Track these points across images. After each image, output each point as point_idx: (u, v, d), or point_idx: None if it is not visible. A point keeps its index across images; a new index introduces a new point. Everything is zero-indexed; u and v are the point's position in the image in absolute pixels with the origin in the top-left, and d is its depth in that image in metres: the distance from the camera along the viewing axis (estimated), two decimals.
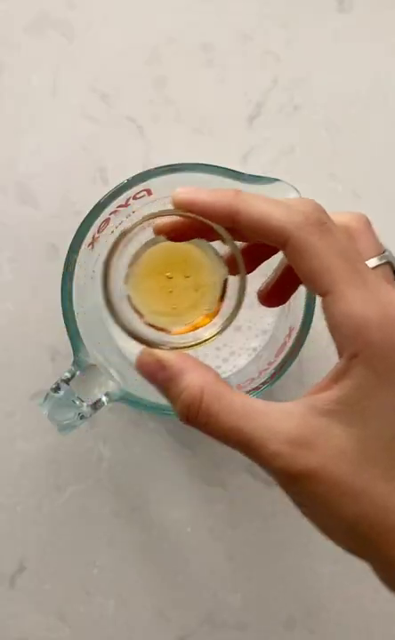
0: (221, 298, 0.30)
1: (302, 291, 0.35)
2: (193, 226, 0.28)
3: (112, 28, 0.46)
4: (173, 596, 0.45)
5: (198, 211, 0.27)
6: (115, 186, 0.38)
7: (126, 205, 0.39)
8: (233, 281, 0.28)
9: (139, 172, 0.38)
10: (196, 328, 0.30)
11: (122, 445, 0.45)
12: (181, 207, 0.27)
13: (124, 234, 0.28)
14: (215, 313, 0.30)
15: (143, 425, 0.45)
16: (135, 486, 0.45)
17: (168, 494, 0.45)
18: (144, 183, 0.38)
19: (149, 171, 0.38)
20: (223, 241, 0.27)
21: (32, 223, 0.45)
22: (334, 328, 0.25)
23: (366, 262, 0.29)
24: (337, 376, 0.25)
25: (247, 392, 0.37)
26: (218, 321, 0.29)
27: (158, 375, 0.27)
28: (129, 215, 0.41)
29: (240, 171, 0.38)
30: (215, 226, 0.27)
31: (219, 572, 0.45)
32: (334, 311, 0.25)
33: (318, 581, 0.45)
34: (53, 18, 0.46)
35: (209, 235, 0.28)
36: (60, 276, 0.37)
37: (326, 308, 0.25)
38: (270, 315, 0.43)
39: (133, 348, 0.43)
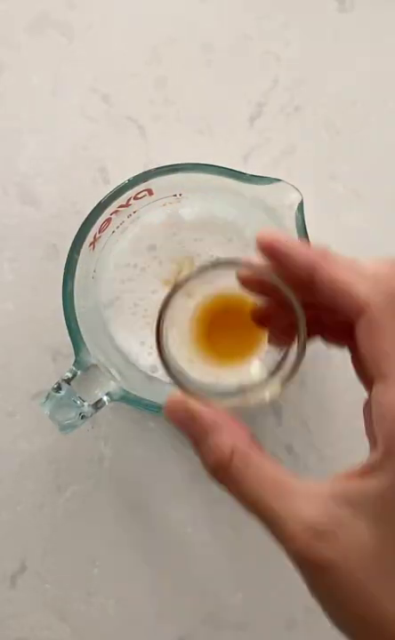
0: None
1: None
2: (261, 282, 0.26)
3: (112, 29, 0.46)
4: (173, 595, 0.45)
5: (279, 259, 0.25)
6: (116, 186, 0.38)
7: (128, 205, 0.39)
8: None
9: (140, 171, 0.38)
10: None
11: (123, 445, 0.45)
12: (264, 251, 0.25)
13: (178, 286, 0.26)
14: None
15: (144, 425, 0.45)
16: (136, 486, 0.45)
17: (169, 494, 0.45)
18: (145, 183, 0.38)
19: (150, 171, 0.38)
20: (291, 304, 0.25)
21: (33, 223, 0.45)
22: (379, 417, 0.23)
23: None
24: (372, 468, 0.23)
25: None
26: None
27: (188, 426, 0.26)
28: (130, 215, 0.41)
29: (241, 171, 0.38)
30: (286, 289, 0.25)
31: (220, 571, 0.45)
32: (383, 399, 0.23)
33: None
34: (54, 18, 0.46)
35: (272, 294, 0.26)
36: (61, 276, 0.37)
37: (375, 394, 0.24)
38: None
39: (132, 348, 0.43)
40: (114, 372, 0.38)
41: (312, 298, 0.25)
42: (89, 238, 0.38)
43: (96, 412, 0.36)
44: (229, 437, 0.25)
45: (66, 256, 0.37)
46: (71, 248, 0.37)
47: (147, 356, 0.43)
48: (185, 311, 0.29)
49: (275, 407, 0.45)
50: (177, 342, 0.28)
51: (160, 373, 0.43)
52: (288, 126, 0.46)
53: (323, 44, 0.46)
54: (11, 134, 0.46)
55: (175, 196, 0.41)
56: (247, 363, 0.30)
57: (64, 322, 0.37)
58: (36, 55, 0.46)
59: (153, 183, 0.38)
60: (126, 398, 0.37)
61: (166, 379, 0.43)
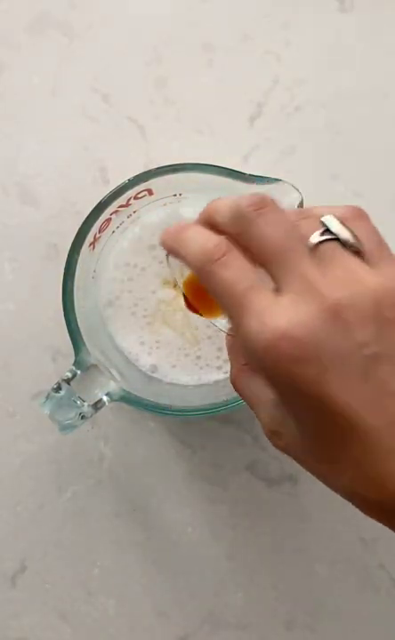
0: None
1: None
2: None
3: (113, 28, 0.46)
4: (173, 595, 0.45)
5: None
6: (116, 186, 0.38)
7: (127, 205, 0.39)
8: None
9: (139, 171, 0.38)
10: None
11: (123, 445, 0.45)
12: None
13: None
14: None
15: (144, 425, 0.45)
16: (136, 486, 0.45)
17: (169, 494, 0.45)
18: (145, 183, 0.38)
19: (150, 171, 0.38)
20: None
21: (33, 223, 0.45)
22: None
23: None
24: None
25: None
26: None
27: (179, 237, 0.27)
28: (130, 215, 0.41)
29: (241, 171, 0.38)
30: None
31: (220, 571, 0.45)
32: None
33: (318, 581, 0.45)
34: (54, 18, 0.46)
35: None
36: (61, 276, 0.37)
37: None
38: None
39: (132, 348, 0.43)
40: (114, 372, 0.38)
41: None
42: (89, 238, 0.38)
43: (96, 412, 0.36)
44: (217, 238, 0.26)
45: (66, 256, 0.37)
46: (71, 248, 0.37)
47: (147, 356, 0.43)
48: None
49: None
50: None
51: (160, 373, 0.43)
52: (288, 126, 0.46)
53: (323, 44, 0.46)
54: (11, 134, 0.46)
55: (175, 195, 0.41)
56: None
57: (64, 322, 0.37)
58: (37, 55, 0.46)
59: (153, 183, 0.38)
60: (126, 398, 0.37)
61: (166, 379, 0.43)
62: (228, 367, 0.43)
